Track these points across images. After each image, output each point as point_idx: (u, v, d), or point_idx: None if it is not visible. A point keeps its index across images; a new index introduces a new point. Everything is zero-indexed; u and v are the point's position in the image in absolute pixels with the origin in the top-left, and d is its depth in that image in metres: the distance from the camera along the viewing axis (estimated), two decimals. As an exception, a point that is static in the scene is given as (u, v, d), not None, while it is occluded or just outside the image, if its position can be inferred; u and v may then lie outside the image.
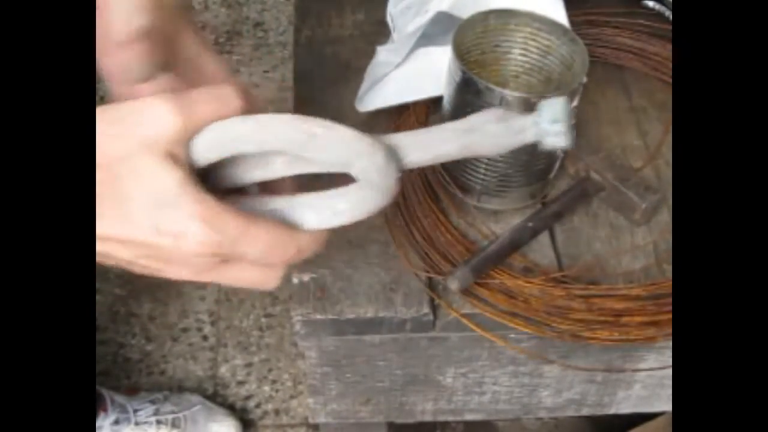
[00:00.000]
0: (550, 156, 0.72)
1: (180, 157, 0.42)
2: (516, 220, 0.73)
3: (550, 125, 0.45)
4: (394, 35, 0.87)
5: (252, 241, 0.42)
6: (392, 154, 0.44)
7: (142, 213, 0.41)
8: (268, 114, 0.43)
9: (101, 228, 0.41)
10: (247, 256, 0.43)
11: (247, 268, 0.44)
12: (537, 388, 0.78)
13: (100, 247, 0.42)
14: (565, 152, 0.74)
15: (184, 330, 1.53)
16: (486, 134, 0.45)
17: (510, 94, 0.65)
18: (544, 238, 0.73)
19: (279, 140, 0.42)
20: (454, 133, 0.46)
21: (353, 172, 0.43)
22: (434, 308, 0.69)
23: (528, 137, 0.46)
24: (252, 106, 0.44)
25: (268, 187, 0.47)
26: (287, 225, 0.44)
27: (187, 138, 0.42)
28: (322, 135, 0.42)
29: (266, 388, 1.46)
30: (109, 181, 0.40)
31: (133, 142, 0.41)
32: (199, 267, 0.43)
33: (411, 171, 0.76)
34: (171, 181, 0.41)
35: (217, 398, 1.43)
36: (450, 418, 0.84)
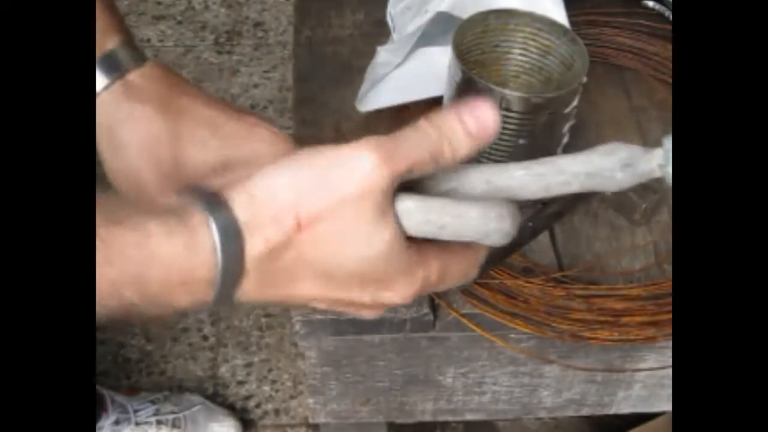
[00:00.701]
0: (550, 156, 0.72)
1: (388, 209, 0.39)
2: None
3: (669, 162, 0.44)
4: (394, 35, 0.87)
5: (448, 280, 0.42)
6: (516, 215, 0.44)
7: (346, 273, 0.39)
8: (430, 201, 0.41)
9: (301, 289, 0.40)
10: (440, 288, 0.43)
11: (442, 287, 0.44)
12: (537, 388, 0.78)
13: (298, 302, 0.41)
14: (565, 152, 0.74)
15: (184, 330, 1.53)
16: (611, 181, 0.44)
17: (510, 93, 0.65)
18: (544, 238, 0.73)
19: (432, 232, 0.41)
20: (576, 178, 0.44)
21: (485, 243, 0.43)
22: (434, 308, 0.69)
23: (654, 176, 0.45)
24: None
25: None
26: (463, 246, 0.43)
27: (393, 187, 0.39)
28: (450, 225, 0.41)
29: (266, 388, 1.46)
30: (310, 242, 0.38)
31: (340, 199, 0.38)
32: (393, 307, 0.44)
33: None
34: (380, 242, 0.39)
35: (217, 398, 1.43)
36: (450, 418, 0.84)
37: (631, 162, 0.45)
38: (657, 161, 0.45)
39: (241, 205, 0.38)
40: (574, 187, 0.44)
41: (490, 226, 0.42)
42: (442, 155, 0.40)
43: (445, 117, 0.40)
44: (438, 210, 0.41)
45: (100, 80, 0.50)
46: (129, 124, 0.50)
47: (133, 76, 0.51)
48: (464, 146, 0.41)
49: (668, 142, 0.44)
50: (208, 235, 0.37)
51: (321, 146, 0.39)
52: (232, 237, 0.37)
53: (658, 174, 0.45)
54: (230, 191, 0.38)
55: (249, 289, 0.39)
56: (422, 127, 0.40)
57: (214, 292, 0.38)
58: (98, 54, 0.50)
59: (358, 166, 0.38)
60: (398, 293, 0.41)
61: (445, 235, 0.41)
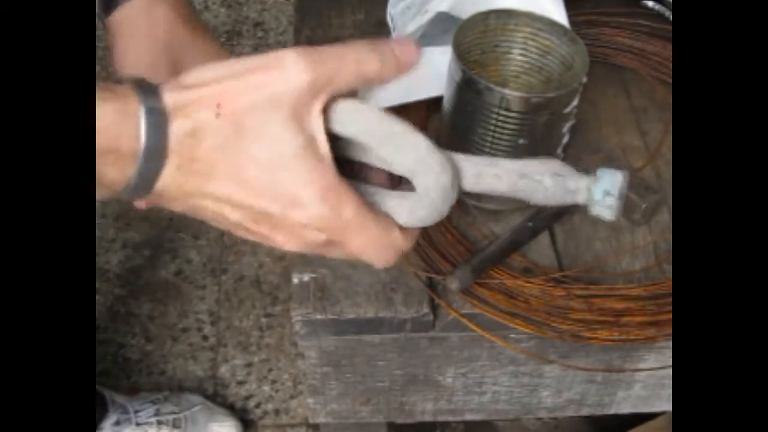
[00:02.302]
0: (551, 156, 0.72)
1: (305, 118, 0.40)
2: (516, 220, 0.73)
3: (602, 196, 0.45)
4: (394, 35, 0.87)
5: (361, 234, 0.42)
6: (456, 178, 0.44)
7: (259, 173, 0.40)
8: (368, 104, 0.43)
9: (215, 187, 0.41)
10: (350, 244, 0.43)
11: (346, 253, 0.44)
12: (537, 388, 0.78)
13: (211, 206, 0.42)
14: (565, 152, 0.74)
15: (184, 330, 1.53)
16: (539, 185, 0.46)
17: (510, 93, 0.65)
18: (544, 238, 0.73)
19: (364, 131, 0.42)
20: (509, 175, 0.46)
21: (416, 183, 0.43)
22: (434, 308, 0.69)
23: (578, 199, 0.46)
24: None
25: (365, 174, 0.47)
26: (394, 225, 0.44)
27: (314, 97, 0.41)
28: (399, 134, 0.42)
29: (266, 388, 1.46)
30: (231, 132, 0.40)
31: (259, 96, 0.40)
32: (305, 240, 0.42)
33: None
34: (293, 143, 0.40)
35: (217, 398, 1.43)
36: (450, 418, 0.84)
37: (562, 174, 0.46)
38: (585, 183, 0.45)
39: (169, 89, 0.40)
40: (504, 184, 0.45)
41: (433, 161, 0.43)
42: (369, 67, 0.42)
43: (377, 40, 0.43)
44: (374, 116, 0.43)
45: None
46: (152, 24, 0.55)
47: None
48: (391, 67, 0.43)
49: (602, 174, 0.45)
50: (135, 105, 0.39)
51: None
52: (157, 113, 0.39)
53: (583, 194, 0.45)
54: (166, 84, 0.41)
55: (169, 176, 0.40)
56: (355, 42, 0.42)
57: (137, 168, 0.39)
58: None
59: (281, 65, 0.40)
60: (308, 211, 0.41)
61: (374, 143, 0.42)
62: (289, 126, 0.40)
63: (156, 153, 0.39)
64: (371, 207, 0.43)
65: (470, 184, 0.45)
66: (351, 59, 0.42)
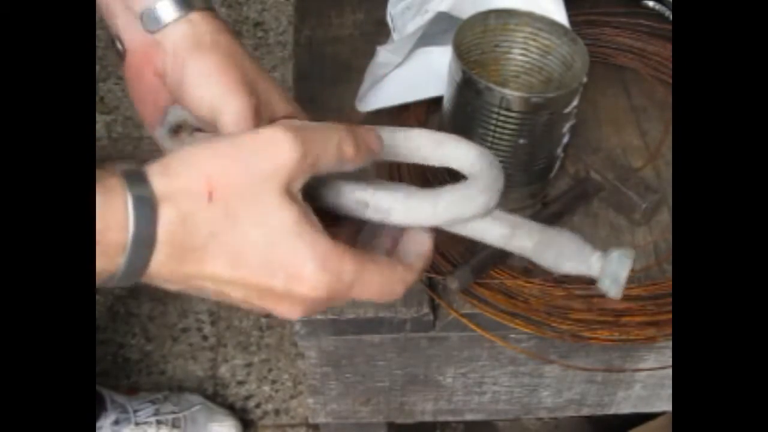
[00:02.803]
0: (550, 156, 0.72)
1: (296, 193, 0.41)
2: (516, 220, 0.73)
3: (611, 279, 0.47)
4: (394, 35, 0.87)
5: (365, 287, 0.42)
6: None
7: (257, 252, 0.40)
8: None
9: (212, 271, 0.40)
10: (356, 297, 0.43)
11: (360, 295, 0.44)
12: (537, 388, 0.78)
13: (211, 286, 0.41)
14: (565, 152, 0.74)
15: (184, 330, 1.53)
16: (560, 255, 0.48)
17: (510, 93, 0.65)
18: (544, 238, 0.73)
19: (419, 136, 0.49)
20: (531, 240, 0.48)
21: (475, 170, 0.47)
22: (434, 308, 0.69)
23: (590, 272, 0.48)
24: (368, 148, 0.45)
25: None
26: (397, 262, 0.45)
27: (304, 173, 0.41)
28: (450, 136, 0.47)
29: (266, 388, 1.46)
30: (223, 216, 0.40)
31: (251, 178, 0.40)
32: (311, 307, 0.43)
33: (410, 171, 0.76)
34: (288, 219, 0.40)
35: (217, 398, 1.43)
36: (450, 418, 0.84)
37: (582, 246, 0.48)
38: (601, 263, 0.48)
39: (156, 174, 0.39)
40: (529, 244, 0.49)
41: (483, 150, 0.47)
42: (348, 151, 0.43)
43: (356, 127, 0.44)
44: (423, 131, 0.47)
45: (170, 13, 0.52)
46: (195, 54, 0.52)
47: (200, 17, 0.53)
48: (363, 154, 0.44)
49: (612, 257, 0.48)
50: (122, 197, 0.38)
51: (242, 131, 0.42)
52: (145, 203, 0.39)
53: (595, 269, 0.48)
54: (151, 167, 0.40)
55: (160, 263, 0.40)
56: (335, 124, 0.43)
57: (125, 259, 0.39)
58: None
59: (272, 144, 0.40)
60: (309, 283, 0.41)
61: (430, 147, 0.47)
62: (282, 202, 0.40)
63: (145, 243, 0.39)
64: (371, 254, 0.44)
65: (497, 240, 0.49)
66: (334, 143, 0.42)
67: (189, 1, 0.52)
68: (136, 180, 0.39)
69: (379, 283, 0.43)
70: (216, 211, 0.39)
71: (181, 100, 0.52)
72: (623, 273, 0.47)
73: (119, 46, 0.54)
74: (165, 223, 0.39)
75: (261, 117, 0.50)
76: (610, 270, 0.47)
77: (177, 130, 0.52)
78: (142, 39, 0.53)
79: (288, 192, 0.40)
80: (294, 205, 0.40)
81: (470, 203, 0.46)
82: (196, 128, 0.52)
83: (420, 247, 0.47)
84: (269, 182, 0.40)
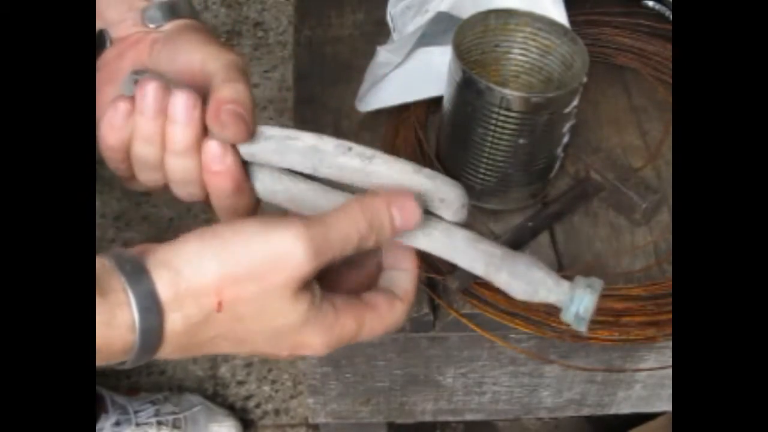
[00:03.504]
0: (550, 156, 0.72)
1: (307, 288, 0.41)
2: (516, 220, 0.73)
3: (574, 314, 0.46)
4: (394, 35, 0.87)
5: (369, 334, 0.44)
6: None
7: (265, 341, 0.42)
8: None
9: (219, 350, 0.42)
10: (359, 341, 0.45)
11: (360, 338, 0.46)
12: (537, 388, 0.78)
13: (217, 350, 0.42)
14: (565, 152, 0.74)
15: (184, 330, 1.53)
16: (518, 276, 0.46)
17: (510, 93, 0.65)
18: (544, 238, 0.73)
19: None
20: (493, 262, 0.47)
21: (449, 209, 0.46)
22: (434, 308, 0.69)
23: (551, 301, 0.47)
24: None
25: None
26: (394, 298, 0.45)
27: (322, 262, 0.41)
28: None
29: (266, 388, 1.46)
30: (230, 322, 0.40)
31: (262, 287, 0.40)
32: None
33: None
34: (295, 318, 0.41)
35: (217, 398, 1.43)
36: (450, 418, 0.84)
37: (550, 273, 0.47)
38: (568, 294, 0.46)
39: (164, 281, 0.39)
40: (481, 265, 0.47)
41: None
42: (367, 244, 0.42)
43: (377, 207, 0.42)
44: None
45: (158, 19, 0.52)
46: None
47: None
48: (388, 237, 0.43)
49: (578, 290, 0.46)
50: (127, 313, 0.38)
51: (250, 222, 0.41)
52: (152, 314, 0.39)
53: (559, 298, 0.47)
54: (154, 261, 0.39)
55: (166, 353, 0.41)
56: (353, 215, 0.42)
57: (130, 360, 0.40)
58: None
59: (285, 259, 0.40)
60: (314, 348, 0.43)
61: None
62: (291, 305, 0.41)
63: (150, 347, 0.39)
64: (371, 302, 0.45)
65: (446, 253, 0.47)
66: (353, 240, 0.42)
67: (176, 9, 0.53)
68: (138, 281, 0.38)
69: (381, 327, 0.45)
70: (224, 319, 0.40)
71: (168, 66, 0.51)
72: (588, 312, 0.46)
73: (106, 36, 0.54)
74: (172, 331, 0.39)
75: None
76: (575, 307, 0.46)
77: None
78: (135, 31, 0.52)
79: (298, 292, 0.41)
80: (302, 304, 0.41)
81: (451, 183, 0.46)
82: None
83: (407, 266, 0.48)
84: (280, 291, 0.40)
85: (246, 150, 0.46)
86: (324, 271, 0.42)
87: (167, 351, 0.40)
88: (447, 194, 0.45)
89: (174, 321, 0.39)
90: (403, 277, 0.47)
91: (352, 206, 0.42)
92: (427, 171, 0.45)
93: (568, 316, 0.46)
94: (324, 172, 0.45)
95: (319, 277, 0.42)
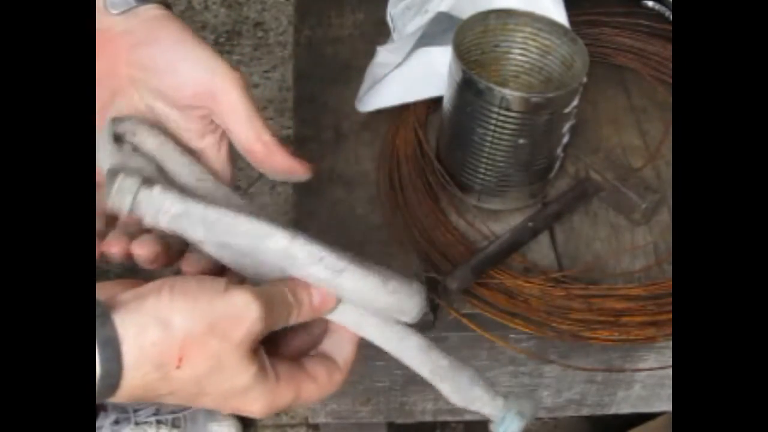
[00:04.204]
0: (550, 156, 0.72)
1: (258, 351, 0.44)
2: (516, 220, 0.73)
3: (505, 429, 0.49)
4: (394, 35, 0.87)
5: (303, 402, 0.47)
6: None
7: (213, 398, 0.44)
8: None
9: (168, 401, 0.43)
10: (299, 404, 0.48)
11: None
12: (537, 388, 0.78)
13: (164, 401, 0.44)
14: (565, 152, 0.74)
15: (184, 330, 1.53)
16: (459, 390, 0.50)
17: (510, 93, 0.65)
18: (544, 238, 0.73)
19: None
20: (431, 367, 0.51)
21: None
22: (434, 308, 0.69)
23: (484, 412, 0.50)
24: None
25: None
26: (334, 368, 0.49)
27: (263, 335, 0.44)
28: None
29: (266, 388, 1.46)
30: (187, 380, 0.42)
31: (223, 346, 0.42)
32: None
33: (410, 172, 0.76)
34: (248, 376, 0.44)
35: (217, 398, 1.43)
36: (450, 418, 0.84)
37: (486, 389, 0.50)
38: (497, 406, 0.50)
39: (130, 336, 0.40)
40: (424, 370, 0.52)
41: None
42: (292, 317, 0.46)
43: (301, 289, 0.47)
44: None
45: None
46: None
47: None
48: (308, 315, 0.47)
49: (508, 414, 0.50)
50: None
51: (214, 279, 0.44)
52: (112, 367, 0.40)
53: (487, 414, 0.50)
54: (122, 311, 0.40)
55: (117, 400, 0.42)
56: (284, 293, 0.46)
57: None
58: None
59: (246, 313, 0.43)
60: (252, 412, 0.45)
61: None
62: (246, 366, 0.43)
63: (102, 395, 0.41)
64: (311, 372, 0.48)
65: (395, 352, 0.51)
66: (289, 311, 0.46)
67: None
68: (102, 325, 0.40)
69: (317, 395, 0.48)
70: (181, 377, 0.42)
71: (153, 79, 0.50)
72: (516, 431, 0.49)
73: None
74: (130, 385, 0.41)
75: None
76: (506, 423, 0.49)
77: (118, 139, 0.50)
78: (108, 21, 0.51)
79: (251, 353, 0.44)
80: (254, 366, 0.44)
81: (411, 296, 0.48)
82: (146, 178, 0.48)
83: (352, 341, 0.51)
84: (239, 348, 0.43)
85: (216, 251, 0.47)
86: (271, 333, 0.45)
87: (119, 396, 0.41)
88: (407, 307, 0.48)
89: (135, 377, 0.41)
90: (346, 346, 0.50)
91: (282, 287, 0.46)
92: (393, 285, 0.48)
93: (496, 431, 0.50)
94: (291, 272, 0.47)
95: (266, 340, 0.45)
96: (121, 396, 0.41)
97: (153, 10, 0.51)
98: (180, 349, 0.41)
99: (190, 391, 0.43)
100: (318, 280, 0.46)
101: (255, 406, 0.45)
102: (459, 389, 0.50)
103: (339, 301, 0.48)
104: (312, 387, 0.47)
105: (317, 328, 0.50)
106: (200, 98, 0.50)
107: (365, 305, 0.48)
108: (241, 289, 0.43)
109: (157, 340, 0.41)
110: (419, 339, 0.50)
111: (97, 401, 0.40)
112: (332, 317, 0.49)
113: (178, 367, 0.41)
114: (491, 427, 0.50)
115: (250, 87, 0.50)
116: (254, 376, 0.44)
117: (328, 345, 0.51)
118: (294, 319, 0.46)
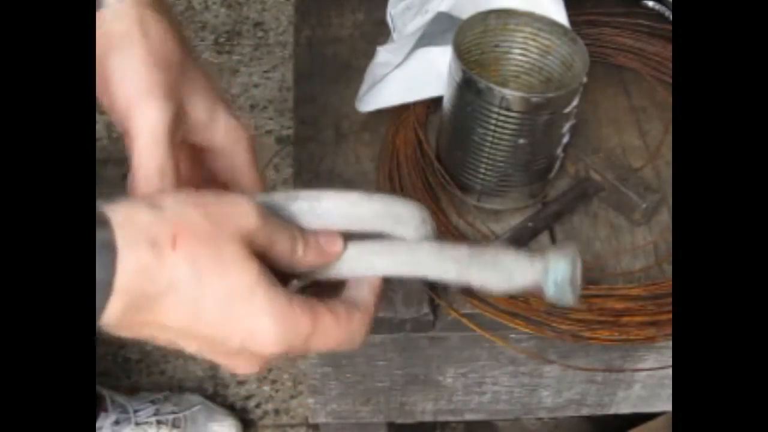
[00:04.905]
0: (550, 156, 0.72)
1: (255, 251, 0.41)
2: (516, 220, 0.73)
3: (554, 280, 0.44)
4: (394, 35, 0.87)
5: (323, 339, 0.42)
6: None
7: (215, 306, 0.40)
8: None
9: (170, 319, 0.40)
10: (315, 350, 0.43)
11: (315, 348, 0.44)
12: (537, 388, 0.78)
13: (163, 336, 0.41)
14: (565, 152, 0.74)
15: (184, 330, 1.53)
16: (488, 268, 0.45)
17: (510, 93, 0.65)
18: (544, 238, 0.73)
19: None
20: (462, 257, 0.46)
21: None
22: (434, 308, 0.69)
23: (528, 283, 0.45)
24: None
25: None
26: (354, 308, 0.44)
27: (261, 244, 0.42)
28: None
29: (266, 388, 1.46)
30: (184, 265, 0.39)
31: (216, 228, 0.40)
32: (265, 362, 0.43)
33: (410, 172, 0.76)
34: (250, 273, 0.40)
35: (217, 398, 1.43)
36: (450, 418, 0.84)
37: (514, 258, 0.46)
38: (539, 267, 0.45)
39: (120, 223, 0.38)
40: (456, 268, 0.46)
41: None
42: (297, 250, 0.44)
43: (306, 232, 0.45)
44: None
45: None
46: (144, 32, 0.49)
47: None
48: (315, 254, 0.45)
49: (552, 262, 0.45)
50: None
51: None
52: (106, 248, 0.38)
53: (537, 283, 0.45)
54: (114, 205, 0.39)
55: (115, 312, 0.39)
56: (288, 225, 0.44)
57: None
58: None
59: (237, 207, 0.41)
60: (265, 340, 0.40)
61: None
62: (244, 259, 0.40)
63: (101, 290, 0.38)
64: (328, 305, 0.43)
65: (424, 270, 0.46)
66: (288, 234, 0.43)
67: None
68: (98, 222, 0.38)
69: (336, 333, 0.43)
70: (178, 260, 0.39)
71: (102, 95, 0.49)
72: (566, 273, 0.44)
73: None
74: (125, 272, 0.38)
75: (176, 128, 0.48)
76: (552, 274, 0.44)
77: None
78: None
79: (249, 250, 0.41)
80: (254, 262, 0.40)
81: (404, 201, 0.46)
82: None
83: (371, 283, 0.47)
84: (233, 238, 0.40)
85: None
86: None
87: (117, 303, 0.38)
88: (400, 212, 0.46)
89: (127, 263, 0.38)
90: (365, 288, 0.46)
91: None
92: (378, 196, 0.46)
93: (549, 293, 0.45)
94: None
95: None
96: (121, 291, 0.38)
97: (119, 9, 0.49)
98: (173, 229, 0.39)
99: (192, 292, 0.39)
100: (302, 214, 0.45)
101: (268, 329, 0.40)
102: (488, 268, 0.45)
103: (345, 242, 0.45)
104: (331, 320, 0.42)
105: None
106: (122, 120, 0.48)
107: (355, 222, 0.46)
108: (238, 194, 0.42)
109: (148, 219, 0.39)
110: (427, 244, 0.46)
111: (97, 302, 0.38)
112: (343, 268, 0.46)
113: (173, 249, 0.38)
114: (544, 295, 0.45)
115: (172, 125, 0.48)
116: (259, 279, 0.40)
117: (346, 293, 0.47)
118: (300, 254, 0.44)
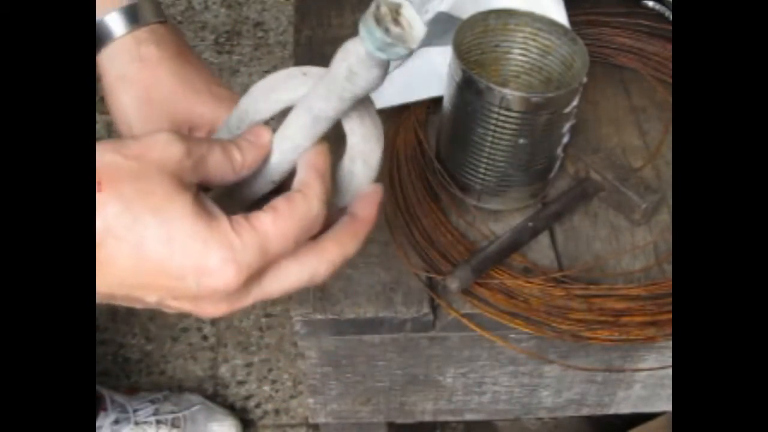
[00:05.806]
0: (550, 156, 0.72)
1: (189, 184, 0.40)
2: (516, 220, 0.73)
3: (373, 26, 0.42)
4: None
5: (277, 240, 0.40)
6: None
7: (159, 246, 0.38)
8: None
9: (117, 275, 0.39)
10: (281, 256, 0.41)
11: (286, 270, 0.42)
12: (537, 388, 0.78)
13: (120, 293, 0.40)
14: (565, 152, 0.74)
15: (184, 330, 1.53)
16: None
17: (510, 93, 0.65)
18: (544, 238, 0.73)
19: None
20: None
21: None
22: (434, 308, 0.69)
23: (359, 54, 0.46)
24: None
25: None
26: (289, 195, 0.42)
27: (192, 171, 0.40)
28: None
29: (266, 388, 1.46)
30: (114, 204, 0.38)
31: (140, 165, 0.39)
32: (233, 301, 0.41)
33: (410, 173, 0.76)
34: (185, 203, 0.38)
35: (217, 398, 1.43)
36: (450, 418, 0.84)
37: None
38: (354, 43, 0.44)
39: None
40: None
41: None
42: (234, 154, 0.43)
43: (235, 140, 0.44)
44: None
45: (120, 28, 0.52)
46: (138, 67, 0.52)
47: (150, 30, 0.53)
48: (252, 150, 0.44)
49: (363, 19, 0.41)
50: None
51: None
52: None
53: (363, 51, 0.44)
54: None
55: None
56: (214, 140, 0.44)
57: None
58: (122, 3, 0.52)
59: (155, 141, 0.40)
60: (218, 269, 0.39)
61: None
62: (175, 191, 0.39)
63: None
64: (280, 224, 0.41)
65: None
66: (217, 147, 0.42)
67: (137, 15, 0.52)
68: None
69: (287, 224, 0.41)
70: (105, 198, 0.37)
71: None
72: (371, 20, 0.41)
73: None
74: None
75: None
76: (368, 23, 0.41)
77: None
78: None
79: (179, 182, 0.39)
80: (187, 193, 0.39)
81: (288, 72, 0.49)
82: None
83: (305, 162, 0.45)
84: (160, 172, 0.39)
85: None
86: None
87: None
88: (285, 80, 0.48)
89: None
90: (301, 171, 0.44)
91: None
92: (270, 77, 0.47)
93: (370, 42, 0.42)
94: None
95: None
96: None
97: (124, 45, 0.52)
98: (97, 176, 0.38)
99: (129, 234, 0.37)
100: (238, 125, 0.46)
101: (216, 260, 0.38)
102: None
103: (270, 127, 0.45)
104: (274, 217, 0.40)
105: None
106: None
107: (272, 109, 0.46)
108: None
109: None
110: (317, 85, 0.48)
111: None
112: (275, 156, 0.45)
113: (99, 190, 0.37)
114: (364, 48, 0.43)
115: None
116: (194, 208, 0.38)
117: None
118: (238, 158, 0.43)
